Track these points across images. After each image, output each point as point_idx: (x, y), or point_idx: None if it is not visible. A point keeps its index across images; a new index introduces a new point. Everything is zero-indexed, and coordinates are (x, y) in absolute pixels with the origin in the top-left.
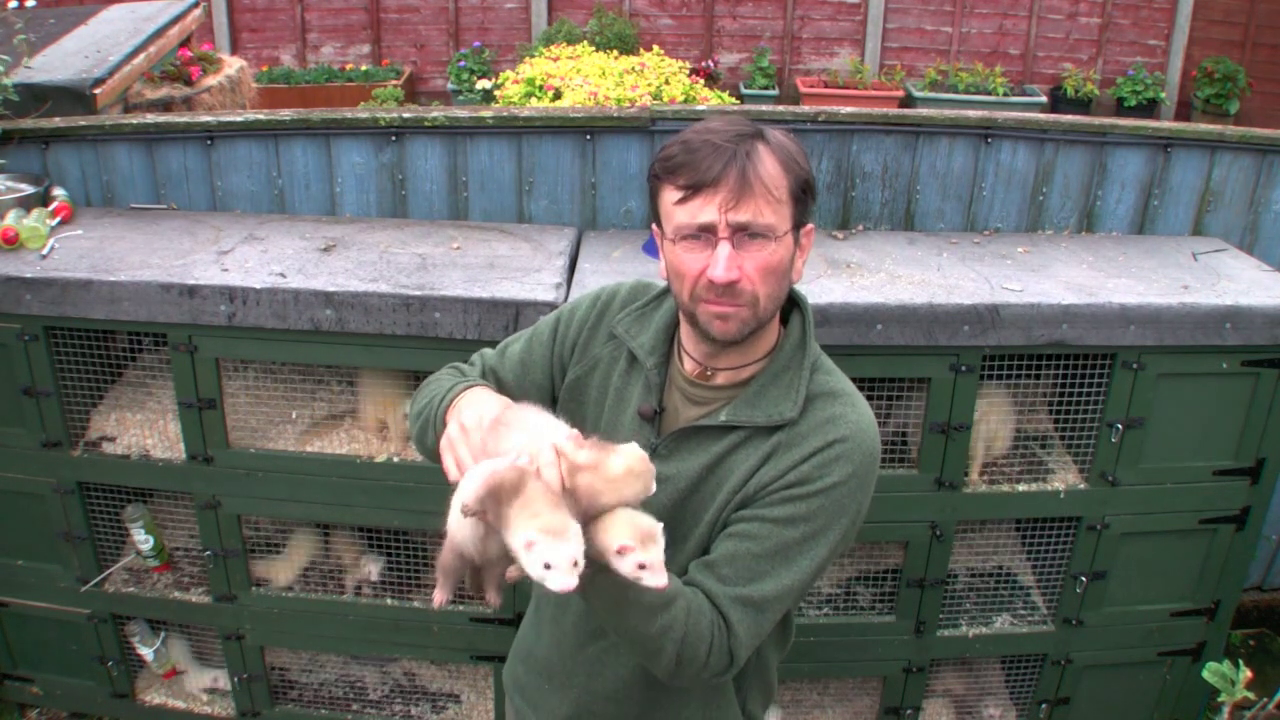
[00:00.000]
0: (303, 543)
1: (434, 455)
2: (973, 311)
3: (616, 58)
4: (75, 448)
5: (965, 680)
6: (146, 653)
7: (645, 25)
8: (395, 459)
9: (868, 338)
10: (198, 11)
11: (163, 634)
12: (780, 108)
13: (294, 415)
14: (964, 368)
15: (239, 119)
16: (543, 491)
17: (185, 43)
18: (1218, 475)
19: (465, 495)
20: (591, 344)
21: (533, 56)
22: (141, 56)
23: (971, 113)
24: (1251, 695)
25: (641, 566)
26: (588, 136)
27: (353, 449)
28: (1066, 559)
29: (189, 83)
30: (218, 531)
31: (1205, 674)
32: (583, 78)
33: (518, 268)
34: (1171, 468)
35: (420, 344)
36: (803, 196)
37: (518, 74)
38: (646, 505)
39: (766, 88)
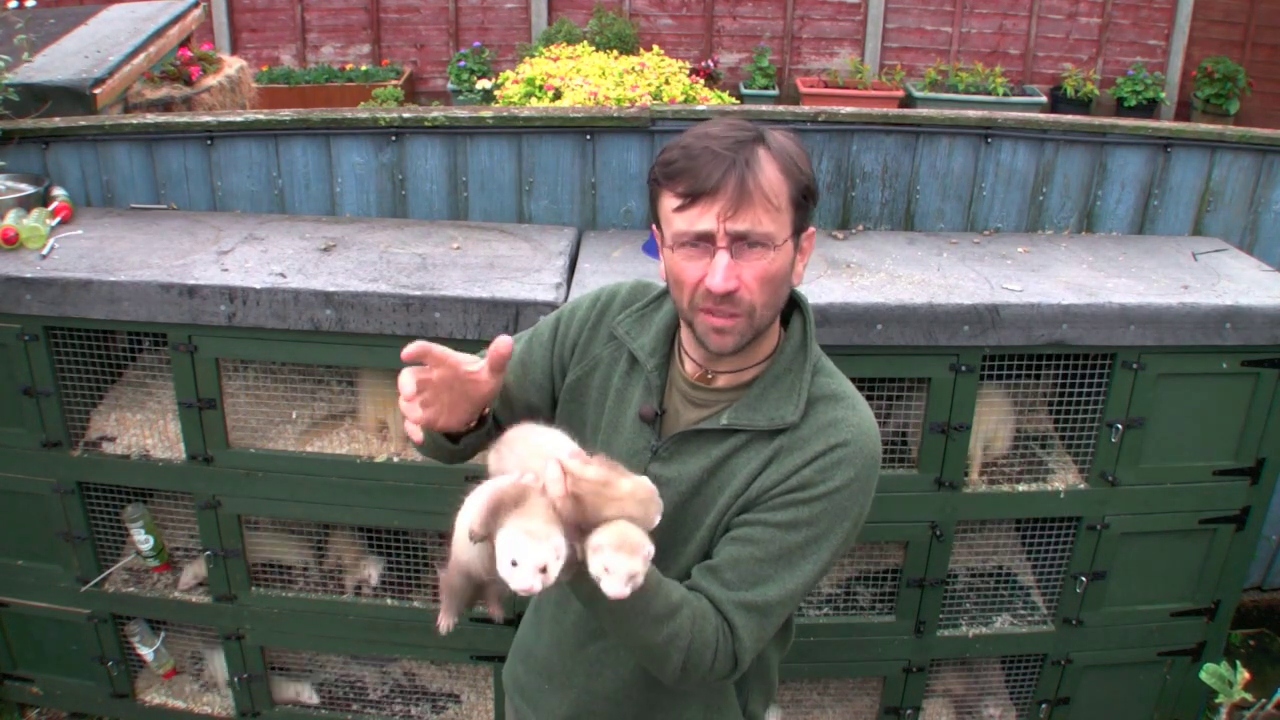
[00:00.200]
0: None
1: (440, 451)
2: (973, 311)
3: (616, 58)
4: (75, 448)
5: (965, 680)
6: (146, 653)
7: (645, 25)
8: (395, 459)
9: (868, 338)
10: (198, 11)
11: (163, 634)
12: (780, 108)
13: (294, 415)
14: (964, 368)
15: (239, 119)
16: (543, 505)
17: (185, 43)
18: (1218, 475)
19: (471, 518)
20: (592, 345)
21: (533, 56)
22: (141, 56)
23: (971, 113)
24: (1249, 696)
25: (606, 570)
26: (588, 136)
27: (353, 449)
28: (1066, 559)
29: (189, 83)
30: (218, 531)
31: (1203, 676)
32: (583, 78)
33: (518, 268)
34: (1171, 468)
35: None
36: (803, 202)
37: (518, 74)
38: None
39: (766, 88)
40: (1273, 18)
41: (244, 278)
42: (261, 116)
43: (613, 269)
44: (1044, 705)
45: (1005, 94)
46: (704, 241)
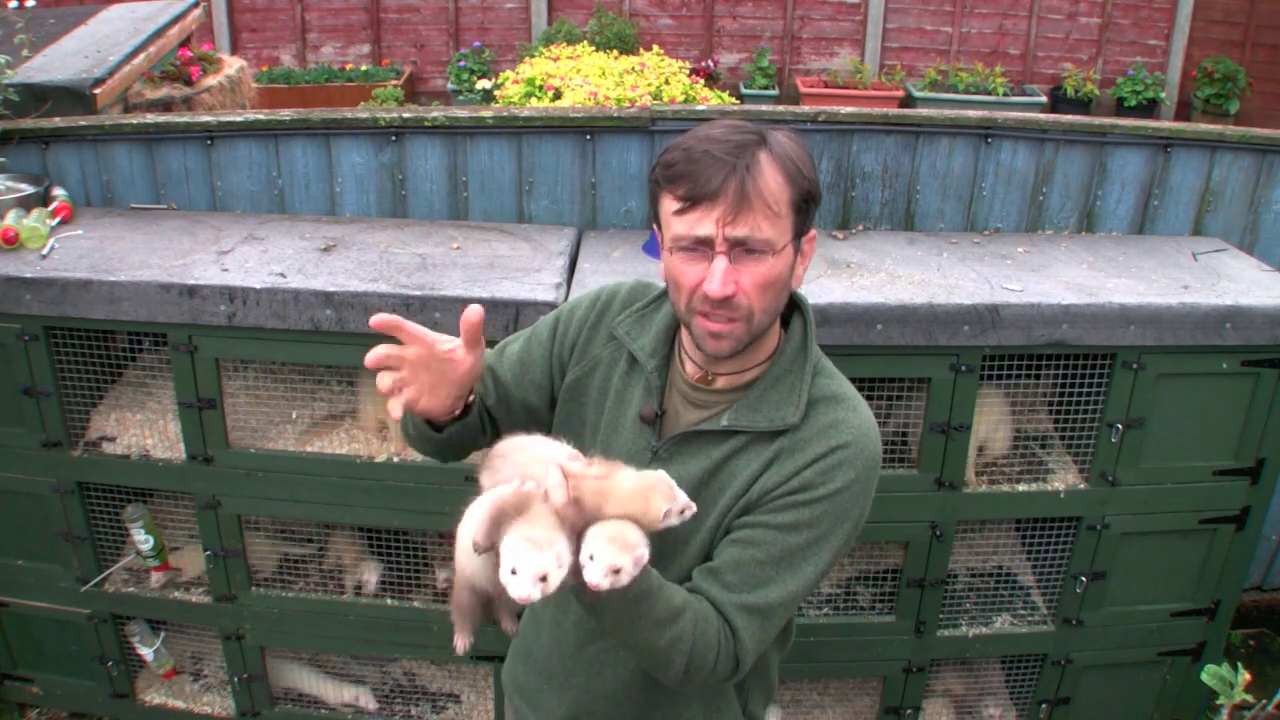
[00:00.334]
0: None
1: (418, 439)
2: (973, 311)
3: (616, 58)
4: (75, 448)
5: (965, 680)
6: (146, 653)
7: (645, 25)
8: (395, 459)
9: (868, 338)
10: (198, 11)
11: (163, 634)
12: (780, 108)
13: (294, 415)
14: (964, 368)
15: (239, 119)
16: (546, 512)
17: (185, 43)
18: (1218, 475)
19: (474, 530)
20: (591, 345)
21: (533, 56)
22: (141, 56)
23: (971, 113)
24: (1250, 698)
25: (590, 558)
26: (588, 136)
27: (353, 449)
28: (1066, 559)
29: (189, 83)
30: (218, 531)
31: (1204, 677)
32: (583, 78)
33: (518, 268)
34: (1171, 468)
35: None
36: (804, 206)
37: (518, 74)
38: None
39: (766, 88)
40: (1273, 18)
41: (244, 278)
42: (261, 116)
43: (613, 269)
44: (1044, 705)
45: (1005, 94)
46: (703, 246)
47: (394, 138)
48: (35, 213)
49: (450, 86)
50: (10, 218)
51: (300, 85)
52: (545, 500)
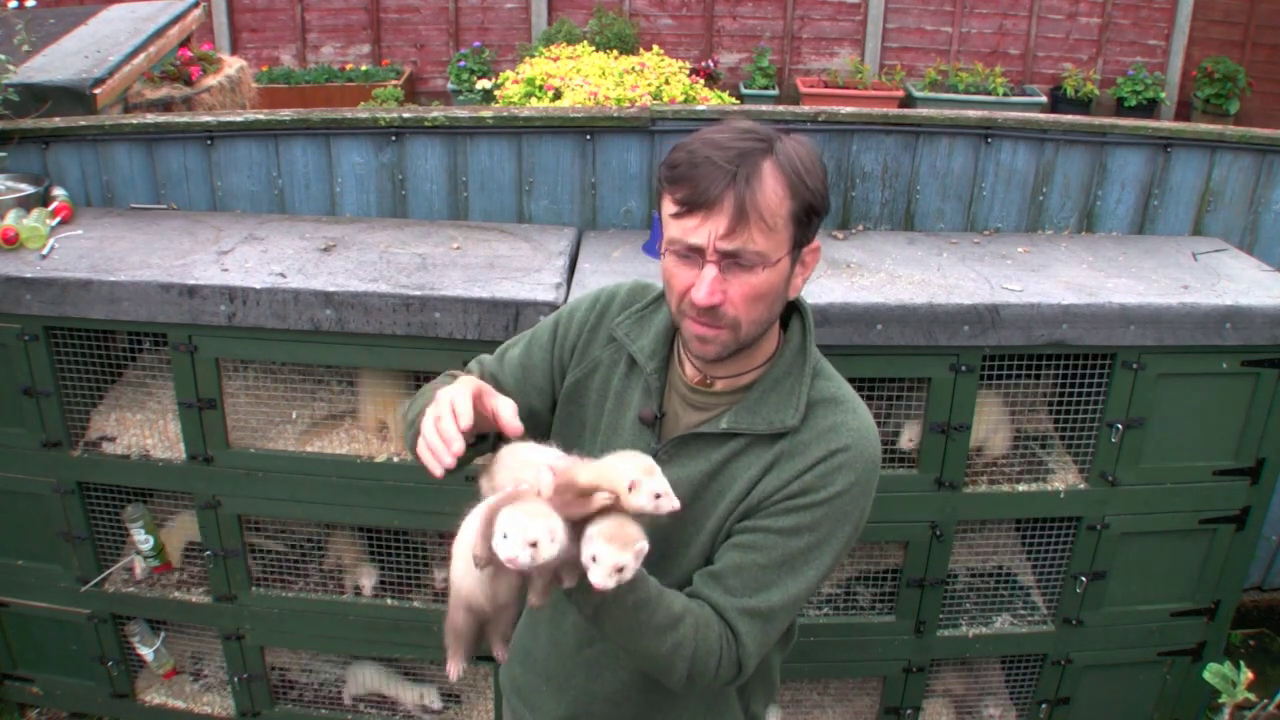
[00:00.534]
0: (187, 523)
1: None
2: (973, 311)
3: (616, 58)
4: (75, 448)
5: (965, 680)
6: (146, 653)
7: (645, 25)
8: (395, 459)
9: (868, 338)
10: (198, 11)
11: (163, 634)
12: (780, 108)
13: (294, 415)
14: (964, 368)
15: (239, 119)
16: (542, 501)
17: (185, 43)
18: (1218, 475)
19: (471, 544)
20: (591, 346)
21: (533, 56)
22: (141, 56)
23: (971, 113)
24: (1252, 696)
25: (594, 559)
26: (588, 136)
27: (353, 449)
28: (1066, 559)
29: (189, 83)
30: (218, 531)
31: (1206, 675)
32: (583, 78)
33: (518, 268)
34: (1171, 468)
35: (420, 344)
36: (805, 219)
37: (518, 74)
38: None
39: (766, 88)
40: (1273, 18)
41: (244, 278)
42: (261, 116)
43: (613, 269)
44: (1044, 705)
45: (1005, 94)
46: (694, 253)
47: (394, 138)
48: (35, 213)
49: (450, 86)
50: (10, 218)
51: (300, 85)
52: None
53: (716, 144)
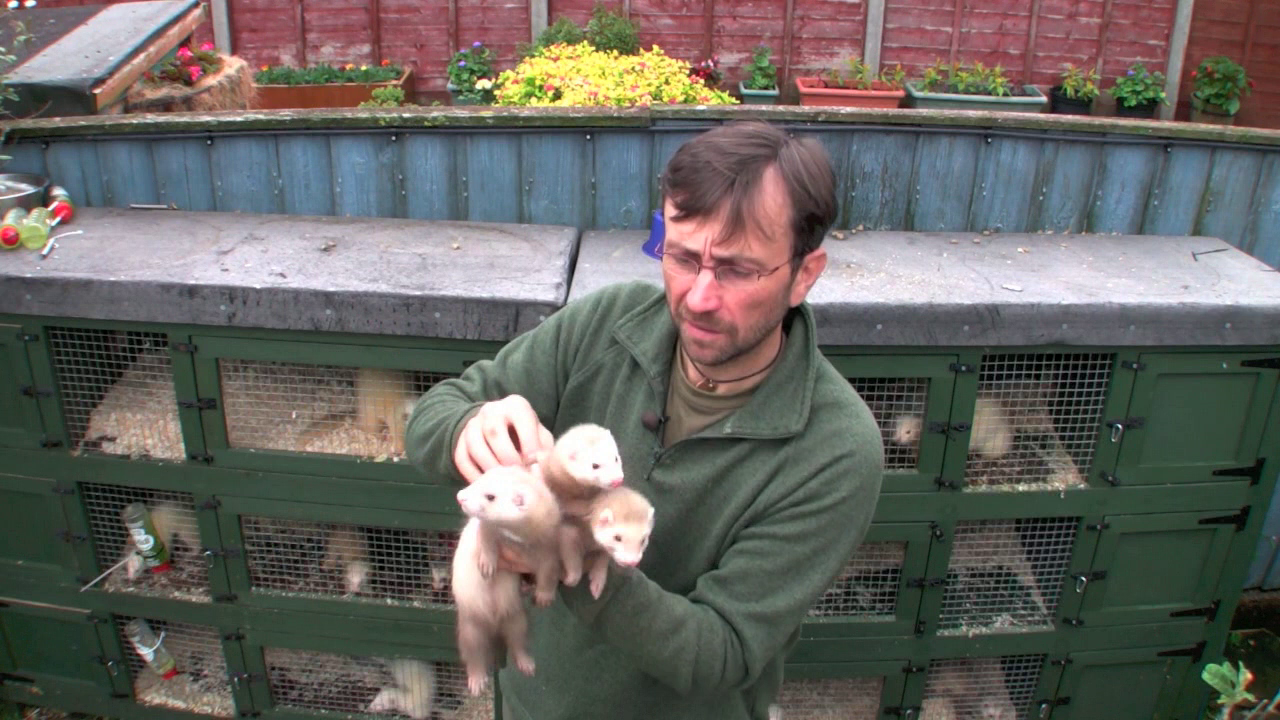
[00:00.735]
0: (165, 517)
1: (445, 477)
2: (973, 311)
3: (616, 58)
4: (75, 448)
5: (965, 680)
6: (146, 653)
7: (645, 25)
8: (395, 459)
9: (868, 338)
10: (198, 11)
11: (163, 634)
12: (780, 108)
13: (294, 415)
14: (964, 368)
15: (239, 119)
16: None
17: (185, 43)
18: (1218, 475)
19: (472, 555)
20: (593, 350)
21: (533, 56)
22: (141, 56)
23: (971, 113)
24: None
25: (617, 538)
26: (588, 136)
27: (353, 449)
28: (1066, 559)
29: (189, 83)
30: (218, 531)
31: (1206, 676)
32: (583, 78)
33: (518, 268)
34: (1171, 468)
35: (420, 344)
36: (807, 227)
37: (518, 74)
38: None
39: (766, 88)
40: (1273, 18)
41: (244, 278)
42: (261, 116)
43: (613, 269)
44: (1044, 705)
45: (1005, 94)
46: (691, 258)
47: (394, 138)
48: (35, 213)
49: (450, 86)
50: (10, 218)
51: (300, 85)
52: None
53: (720, 149)
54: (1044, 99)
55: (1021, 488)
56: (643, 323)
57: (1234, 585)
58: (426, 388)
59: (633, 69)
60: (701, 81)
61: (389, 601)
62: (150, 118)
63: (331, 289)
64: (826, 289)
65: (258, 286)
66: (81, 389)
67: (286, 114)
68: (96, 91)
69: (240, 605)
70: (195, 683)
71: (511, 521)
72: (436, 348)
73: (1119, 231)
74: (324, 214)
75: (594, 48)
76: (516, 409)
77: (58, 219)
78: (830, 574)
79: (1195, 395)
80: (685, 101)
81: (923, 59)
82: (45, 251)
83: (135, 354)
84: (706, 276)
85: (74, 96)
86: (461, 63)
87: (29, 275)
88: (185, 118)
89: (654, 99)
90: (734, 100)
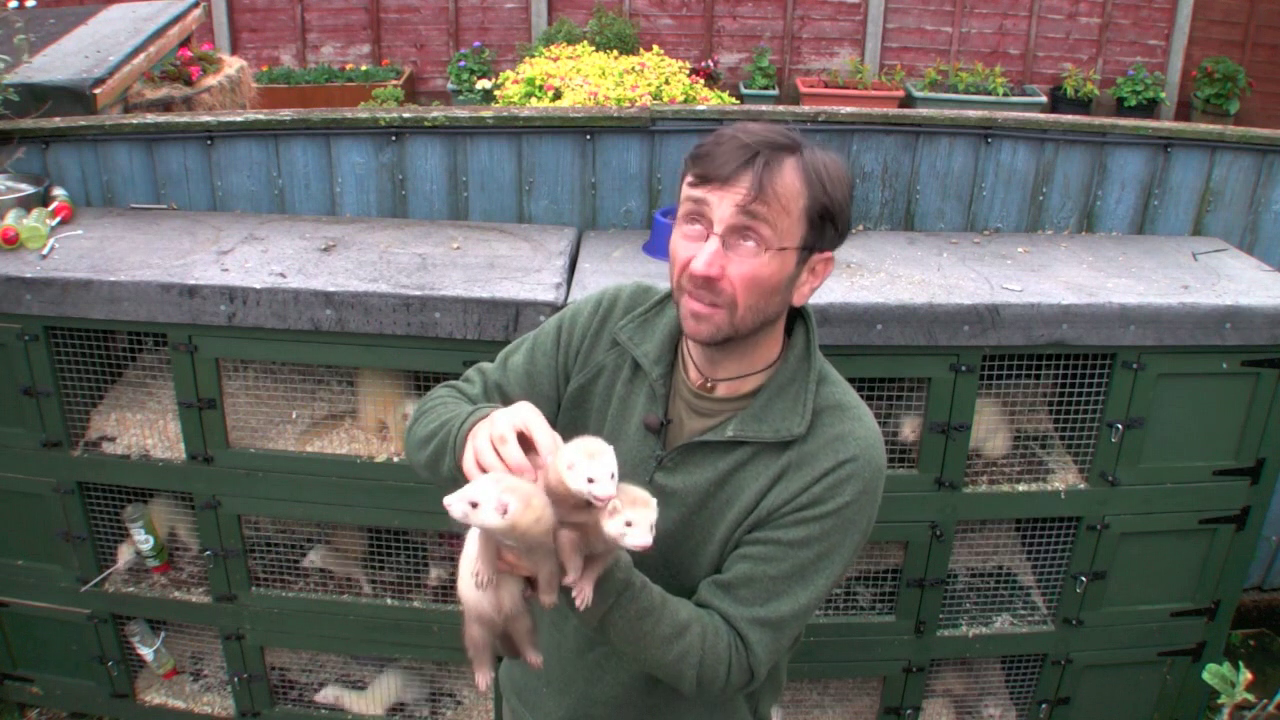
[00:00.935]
0: (159, 513)
1: (449, 481)
2: (973, 311)
3: (616, 58)
4: (75, 448)
5: (965, 680)
6: (146, 653)
7: (645, 25)
8: (395, 459)
9: (868, 338)
10: (198, 11)
11: (163, 634)
12: (780, 108)
13: (294, 415)
14: (964, 368)
15: (239, 119)
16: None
17: (185, 43)
18: (1218, 475)
19: (474, 561)
20: (594, 351)
21: (533, 56)
22: (141, 56)
23: (971, 113)
24: (1251, 697)
25: (629, 524)
26: (588, 136)
27: (353, 449)
28: (1066, 559)
29: (189, 83)
30: (218, 531)
31: (1206, 676)
32: (583, 78)
33: (518, 268)
34: (1171, 468)
35: (420, 344)
36: (819, 221)
37: (518, 74)
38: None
39: (766, 88)
40: (1273, 18)
41: (244, 278)
42: (261, 116)
43: (613, 269)
44: (1044, 705)
45: (1005, 94)
46: (702, 222)
47: (394, 138)
48: (35, 213)
49: (450, 86)
50: (10, 218)
51: (300, 85)
52: None
53: (748, 130)
54: (1044, 99)
55: (1021, 488)
56: (644, 324)
57: (1234, 585)
58: (426, 388)
59: (633, 69)
60: (701, 81)
61: (389, 601)
62: (150, 118)
63: (331, 289)
64: (826, 289)
65: (258, 286)
66: (81, 389)
67: (286, 114)
68: (96, 91)
69: (240, 605)
70: (195, 683)
71: (495, 529)
72: (436, 348)
73: (1119, 231)
74: (324, 214)
75: (594, 48)
76: (531, 416)
77: (58, 219)
78: (834, 577)
79: (1195, 395)
80: (685, 101)
81: (923, 59)
82: (45, 251)
83: (135, 354)
84: (714, 243)
85: (74, 96)
86: (461, 63)
87: (29, 275)
88: (185, 118)
89: (654, 99)
90: (734, 100)
